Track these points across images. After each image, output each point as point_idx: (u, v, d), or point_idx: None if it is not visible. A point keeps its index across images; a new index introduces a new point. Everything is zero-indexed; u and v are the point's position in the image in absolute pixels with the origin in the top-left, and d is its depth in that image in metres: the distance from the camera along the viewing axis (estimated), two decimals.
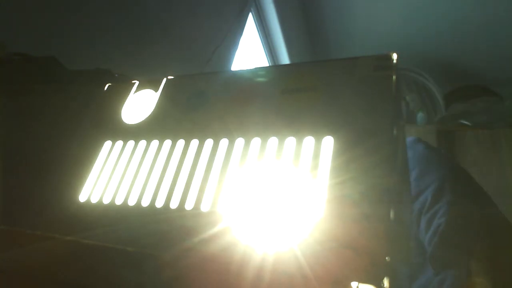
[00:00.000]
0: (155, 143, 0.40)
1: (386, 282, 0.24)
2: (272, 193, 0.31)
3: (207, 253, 0.30)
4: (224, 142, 0.36)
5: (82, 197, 0.39)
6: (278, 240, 0.28)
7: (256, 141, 0.35)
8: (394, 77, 0.33)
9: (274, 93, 0.37)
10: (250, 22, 1.97)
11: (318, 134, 0.32)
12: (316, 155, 0.31)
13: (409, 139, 0.80)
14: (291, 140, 0.33)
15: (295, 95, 0.36)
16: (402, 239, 0.34)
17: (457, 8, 2.08)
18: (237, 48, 1.63)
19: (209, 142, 0.37)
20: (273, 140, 0.34)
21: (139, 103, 0.45)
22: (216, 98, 0.40)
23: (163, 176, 0.37)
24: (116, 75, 0.67)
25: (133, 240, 0.33)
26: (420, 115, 1.87)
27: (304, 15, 2.38)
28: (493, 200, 0.65)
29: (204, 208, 0.33)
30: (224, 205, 0.32)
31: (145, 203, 0.36)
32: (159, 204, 0.35)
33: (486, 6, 2.02)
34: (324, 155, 0.31)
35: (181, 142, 0.38)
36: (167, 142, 0.39)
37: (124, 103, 0.46)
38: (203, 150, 0.37)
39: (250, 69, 0.43)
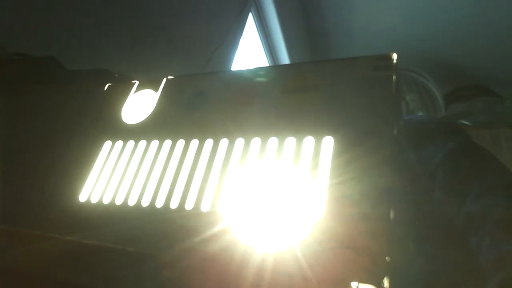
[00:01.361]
0: (155, 143, 0.40)
1: (386, 282, 0.24)
2: (272, 193, 0.31)
3: (207, 253, 0.30)
4: (224, 142, 0.36)
5: (82, 197, 0.39)
6: (278, 240, 0.28)
7: (256, 141, 0.35)
8: (394, 77, 0.33)
9: (274, 93, 0.37)
10: (250, 22, 1.96)
11: (318, 134, 0.32)
12: (316, 155, 0.31)
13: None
14: (291, 140, 0.33)
15: (295, 95, 0.36)
16: (402, 239, 0.34)
17: (457, 8, 2.08)
18: (237, 48, 1.63)
19: (209, 142, 0.37)
20: (273, 140, 0.34)
21: (139, 103, 0.45)
22: (216, 98, 0.40)
23: (163, 176, 0.37)
24: (116, 75, 0.67)
25: (133, 240, 0.33)
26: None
27: (304, 15, 2.38)
28: None
29: (204, 208, 0.33)
30: (224, 205, 0.32)
31: (145, 203, 0.36)
32: (159, 204, 0.35)
33: (486, 6, 2.02)
34: (324, 155, 0.31)
35: (181, 142, 0.38)
36: (167, 142, 0.39)
37: (124, 103, 0.46)
38: (203, 150, 0.37)
39: (250, 69, 0.43)
